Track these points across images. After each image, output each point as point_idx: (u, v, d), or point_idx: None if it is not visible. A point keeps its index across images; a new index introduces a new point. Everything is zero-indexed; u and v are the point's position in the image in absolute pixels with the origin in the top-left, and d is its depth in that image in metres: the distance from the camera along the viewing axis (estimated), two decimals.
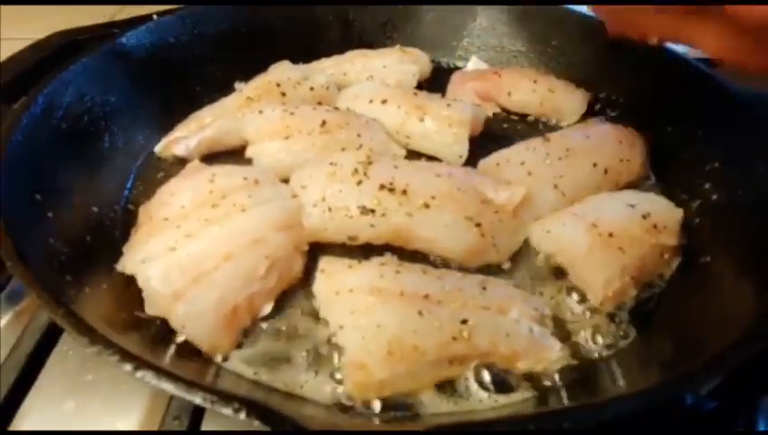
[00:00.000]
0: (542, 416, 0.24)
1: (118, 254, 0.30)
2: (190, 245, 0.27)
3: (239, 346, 0.27)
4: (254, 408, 0.18)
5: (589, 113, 0.45)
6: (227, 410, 0.18)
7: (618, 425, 0.21)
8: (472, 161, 0.38)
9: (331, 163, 0.33)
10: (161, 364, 0.22)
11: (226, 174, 0.32)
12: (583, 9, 0.46)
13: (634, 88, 0.43)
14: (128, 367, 0.20)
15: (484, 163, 0.36)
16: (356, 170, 0.32)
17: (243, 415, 0.18)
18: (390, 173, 0.32)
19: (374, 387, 0.24)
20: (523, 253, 0.33)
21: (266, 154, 0.37)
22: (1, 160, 0.28)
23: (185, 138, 0.39)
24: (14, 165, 0.28)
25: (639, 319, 0.30)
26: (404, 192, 0.31)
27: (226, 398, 0.18)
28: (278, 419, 0.18)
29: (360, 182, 0.32)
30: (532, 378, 0.26)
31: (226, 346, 0.27)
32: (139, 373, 0.20)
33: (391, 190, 0.31)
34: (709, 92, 0.37)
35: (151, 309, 0.27)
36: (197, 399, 0.19)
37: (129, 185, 0.37)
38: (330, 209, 0.31)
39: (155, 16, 0.43)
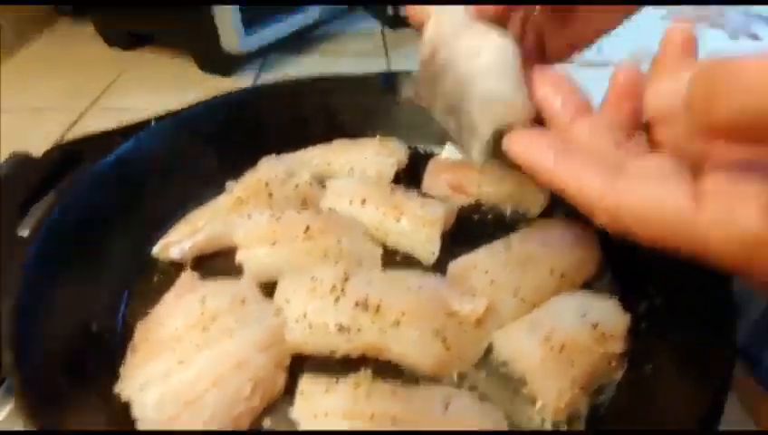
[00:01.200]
0: None
1: (115, 372, 0.33)
2: (183, 372, 0.30)
3: None
4: None
5: (552, 201, 0.48)
6: None
7: None
8: (444, 255, 0.42)
9: (312, 278, 0.36)
10: None
11: (216, 294, 0.35)
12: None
13: None
14: None
15: (453, 267, 0.40)
16: (334, 287, 0.35)
17: None
18: (365, 290, 0.35)
19: None
20: (484, 358, 0.36)
21: (255, 260, 0.40)
22: (15, 299, 0.30)
23: (179, 242, 0.42)
24: (24, 300, 0.31)
25: (590, 425, 0.33)
26: (377, 309, 0.34)
27: None
28: None
29: (337, 299, 0.35)
30: None
31: None
32: None
33: (365, 308, 0.34)
34: None
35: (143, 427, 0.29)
36: None
37: (126, 294, 0.39)
38: (310, 326, 0.34)
39: (153, 121, 0.46)
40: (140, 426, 0.30)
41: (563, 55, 0.36)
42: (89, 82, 0.87)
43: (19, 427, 0.38)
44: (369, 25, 1.05)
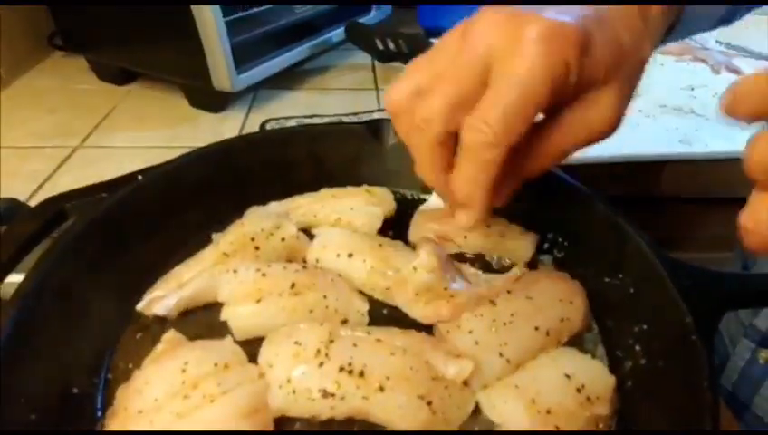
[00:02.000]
0: None
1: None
2: None
3: None
4: None
5: (539, 251, 0.49)
6: None
7: None
8: None
9: (296, 342, 0.36)
10: None
11: (198, 361, 0.34)
12: None
13: (577, 233, 0.47)
14: None
15: (438, 329, 0.39)
16: (318, 351, 0.35)
17: None
18: (349, 353, 0.35)
19: None
20: (472, 416, 0.36)
21: (240, 318, 0.40)
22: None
23: (164, 297, 0.42)
24: (8, 352, 0.31)
25: None
26: (361, 374, 0.34)
27: None
28: None
29: (321, 364, 0.34)
30: None
31: None
32: None
33: (350, 373, 0.34)
34: (635, 251, 0.40)
35: None
36: None
37: (109, 353, 0.39)
38: (294, 391, 0.34)
39: (140, 177, 0.46)
40: None
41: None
42: (80, 117, 0.87)
43: None
44: (359, 59, 1.06)
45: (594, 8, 0.32)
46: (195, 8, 0.76)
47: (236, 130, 0.82)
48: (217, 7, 0.75)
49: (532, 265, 0.47)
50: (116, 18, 0.87)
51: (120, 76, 0.96)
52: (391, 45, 0.98)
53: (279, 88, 0.94)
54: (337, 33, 1.00)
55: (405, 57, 0.98)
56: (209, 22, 0.76)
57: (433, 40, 0.96)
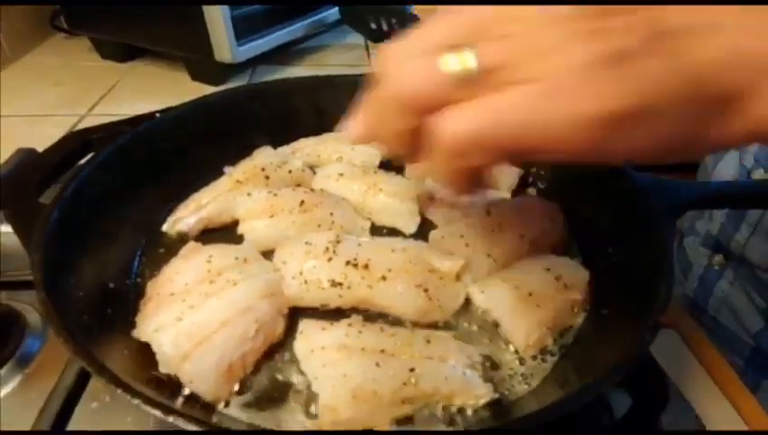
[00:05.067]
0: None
1: (131, 322, 0.37)
2: (194, 315, 0.35)
3: (239, 393, 0.34)
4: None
5: (524, 185, 0.54)
6: None
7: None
8: (426, 230, 0.47)
9: (307, 242, 0.41)
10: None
11: (221, 254, 0.39)
12: None
13: (557, 166, 0.52)
14: (151, 410, 0.27)
15: (433, 235, 0.45)
16: (327, 248, 0.40)
17: None
18: (355, 250, 0.40)
19: (343, 424, 0.31)
20: (465, 309, 0.41)
21: (255, 231, 0.45)
22: (42, 251, 0.35)
23: (186, 217, 0.47)
24: (50, 254, 0.35)
25: (555, 359, 0.38)
26: (366, 266, 0.39)
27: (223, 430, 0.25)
28: None
29: (330, 259, 0.40)
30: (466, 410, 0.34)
31: (226, 395, 0.34)
32: (157, 413, 0.26)
33: (355, 266, 0.39)
34: (616, 179, 0.45)
35: (164, 368, 0.34)
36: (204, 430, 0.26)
37: (136, 262, 0.44)
38: (306, 282, 0.39)
39: (157, 114, 0.51)
40: (160, 361, 0.34)
41: None
42: (85, 91, 0.91)
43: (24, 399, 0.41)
44: (353, 39, 1.12)
45: None
46: None
47: None
48: None
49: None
50: None
51: (122, 53, 1.01)
52: (384, 24, 1.04)
53: (276, 64, 1.00)
54: (332, 13, 1.06)
55: (396, 36, 1.04)
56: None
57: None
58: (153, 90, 0.92)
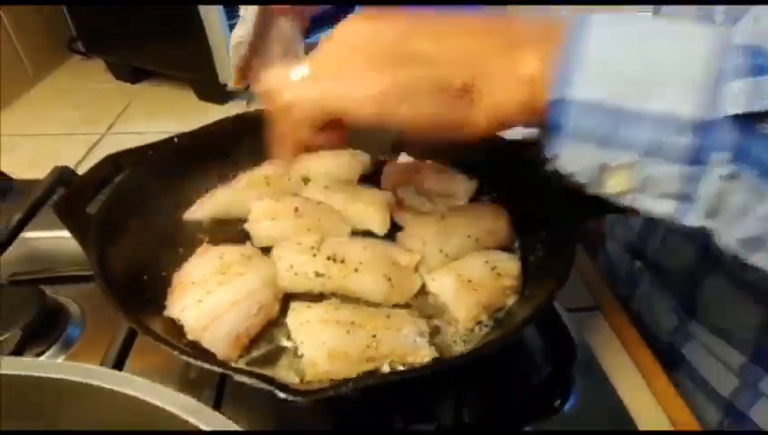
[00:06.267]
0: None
1: (162, 305, 0.50)
2: (210, 298, 0.47)
3: (245, 355, 0.47)
4: (256, 376, 0.37)
5: (479, 193, 0.67)
6: (242, 378, 0.37)
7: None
8: (394, 232, 0.59)
9: (297, 243, 0.53)
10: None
11: (230, 252, 0.52)
12: None
13: (505, 177, 0.65)
14: (191, 360, 0.39)
15: (398, 236, 0.58)
16: (312, 247, 0.53)
17: (249, 379, 0.37)
18: (334, 248, 0.53)
19: (321, 375, 0.44)
20: (421, 293, 0.53)
21: (260, 230, 0.58)
22: (96, 252, 0.47)
23: (202, 209, 0.60)
24: (101, 254, 0.48)
25: (488, 329, 0.50)
26: (342, 261, 0.52)
27: (241, 371, 0.38)
28: (276, 384, 0.37)
29: (314, 255, 0.52)
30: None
31: (235, 356, 0.46)
32: (197, 362, 0.39)
33: (334, 260, 0.52)
34: (546, 188, 0.57)
35: (190, 336, 0.46)
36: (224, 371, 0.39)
37: (163, 259, 0.56)
38: (296, 273, 0.52)
39: (176, 139, 0.64)
40: (186, 332, 0.46)
41: None
42: (101, 111, 1.05)
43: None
44: None
45: None
46: (203, 11, 0.95)
47: None
48: (222, 10, 0.94)
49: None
50: (131, 22, 1.05)
51: (133, 75, 1.14)
52: None
53: None
54: (326, 35, 1.18)
55: None
56: (216, 23, 0.94)
57: None
58: (163, 109, 1.05)
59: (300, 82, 0.38)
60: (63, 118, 1.03)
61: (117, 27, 1.09)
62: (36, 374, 0.34)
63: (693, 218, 0.32)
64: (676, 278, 0.64)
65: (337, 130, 0.40)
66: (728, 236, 0.32)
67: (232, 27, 0.97)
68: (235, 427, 0.31)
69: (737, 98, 0.28)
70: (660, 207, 0.33)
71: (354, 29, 0.38)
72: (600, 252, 0.83)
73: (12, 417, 0.35)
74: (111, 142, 0.95)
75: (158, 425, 0.32)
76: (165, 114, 1.04)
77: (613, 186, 0.33)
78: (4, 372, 0.35)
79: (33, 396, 0.35)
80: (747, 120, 0.29)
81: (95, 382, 0.33)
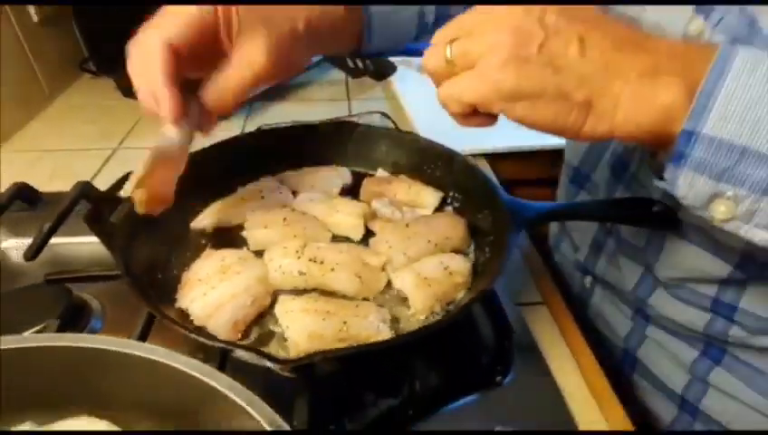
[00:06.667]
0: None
1: (174, 298, 0.61)
2: (213, 292, 0.59)
3: (242, 338, 0.58)
4: (253, 350, 0.49)
5: (443, 204, 0.78)
6: (240, 352, 0.49)
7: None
8: (368, 238, 0.71)
9: (284, 247, 0.65)
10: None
11: (229, 255, 0.64)
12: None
13: (465, 190, 0.76)
14: (199, 338, 0.51)
15: (371, 241, 0.69)
16: (297, 251, 0.64)
17: (246, 353, 0.49)
18: (315, 252, 0.64)
19: (302, 353, 0.55)
20: (386, 289, 0.65)
21: (255, 236, 0.70)
22: (121, 255, 0.59)
23: (205, 219, 0.72)
24: (125, 256, 0.60)
25: (439, 317, 0.62)
26: (321, 262, 0.63)
27: (240, 346, 0.49)
28: (266, 356, 0.48)
29: (299, 257, 0.64)
30: None
31: (234, 338, 0.58)
32: (205, 340, 0.51)
33: (315, 262, 0.63)
34: (494, 200, 0.69)
35: (196, 322, 0.58)
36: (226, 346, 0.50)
37: (173, 261, 0.68)
38: (283, 273, 0.63)
39: None
40: (194, 319, 0.58)
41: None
42: (113, 127, 1.16)
43: None
44: (335, 75, 1.37)
45: None
46: None
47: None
48: None
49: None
50: None
51: None
52: (360, 64, 1.29)
53: (270, 100, 1.25)
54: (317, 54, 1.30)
55: (371, 74, 1.28)
56: None
57: (394, 59, 1.27)
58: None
59: (449, 69, 0.40)
60: (79, 133, 1.14)
61: (125, 50, 1.20)
62: (84, 345, 0.46)
63: None
64: (625, 293, 0.70)
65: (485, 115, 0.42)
66: None
67: None
68: (236, 384, 0.43)
69: None
70: (761, 235, 0.35)
71: (501, 11, 0.39)
72: (552, 262, 0.91)
73: (67, 377, 0.47)
74: (123, 156, 1.07)
75: (177, 384, 0.44)
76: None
77: (719, 213, 0.35)
78: (58, 344, 0.47)
79: (82, 363, 0.47)
80: None
81: (129, 351, 0.45)
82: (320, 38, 0.56)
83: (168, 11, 0.50)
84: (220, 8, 0.48)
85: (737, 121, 0.32)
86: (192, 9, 0.49)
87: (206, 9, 0.49)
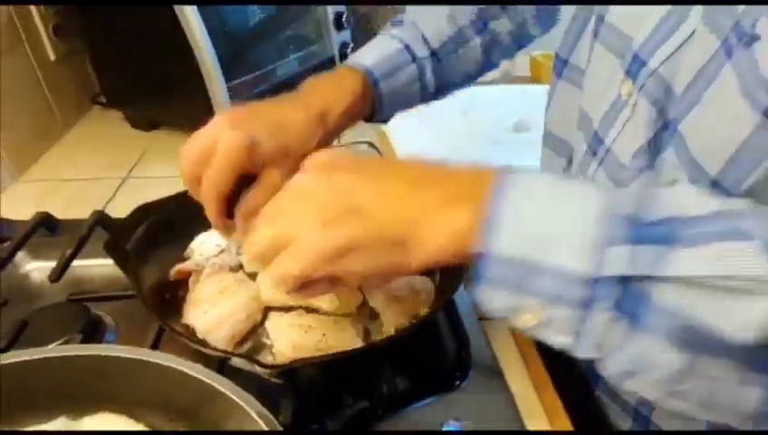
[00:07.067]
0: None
1: (180, 314, 0.72)
2: (213, 310, 0.70)
3: (237, 348, 0.69)
4: (246, 357, 0.60)
5: None
6: (236, 359, 0.60)
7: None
8: None
9: None
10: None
11: (228, 277, 0.75)
12: None
13: None
14: (201, 348, 0.62)
15: None
16: None
17: (240, 360, 0.60)
18: None
19: (287, 360, 0.66)
20: (362, 307, 0.76)
21: (249, 260, 0.81)
22: (135, 278, 0.70)
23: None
24: (138, 280, 0.71)
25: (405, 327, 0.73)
26: None
27: (237, 355, 0.60)
28: (257, 362, 0.59)
29: None
30: None
31: (230, 349, 0.69)
32: (206, 350, 0.62)
33: None
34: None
35: (199, 335, 0.69)
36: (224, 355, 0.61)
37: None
38: (273, 293, 0.74)
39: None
40: (198, 333, 0.69)
41: None
42: (122, 157, 1.27)
43: None
44: None
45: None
46: (205, 74, 1.18)
47: None
48: (220, 71, 1.17)
49: None
50: (144, 81, 1.29)
51: (147, 124, 1.38)
52: None
53: None
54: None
55: None
56: (215, 82, 1.18)
57: None
58: (176, 155, 1.27)
59: (273, 251, 0.45)
60: (91, 163, 1.24)
61: (133, 85, 1.33)
62: (102, 354, 0.57)
63: (583, 351, 0.38)
64: None
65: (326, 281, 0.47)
66: (607, 367, 0.39)
67: (230, 89, 1.21)
68: (234, 385, 0.54)
69: (617, 262, 0.34)
70: (560, 340, 0.39)
71: (303, 185, 0.45)
72: None
73: (89, 381, 0.58)
74: (133, 185, 1.18)
75: (183, 385, 0.55)
76: (177, 160, 1.26)
77: (523, 322, 0.39)
78: (79, 353, 0.58)
79: (101, 368, 0.57)
80: (624, 279, 0.35)
81: (142, 357, 0.56)
82: (338, 132, 0.68)
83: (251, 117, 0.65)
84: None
85: (518, 239, 0.37)
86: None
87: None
